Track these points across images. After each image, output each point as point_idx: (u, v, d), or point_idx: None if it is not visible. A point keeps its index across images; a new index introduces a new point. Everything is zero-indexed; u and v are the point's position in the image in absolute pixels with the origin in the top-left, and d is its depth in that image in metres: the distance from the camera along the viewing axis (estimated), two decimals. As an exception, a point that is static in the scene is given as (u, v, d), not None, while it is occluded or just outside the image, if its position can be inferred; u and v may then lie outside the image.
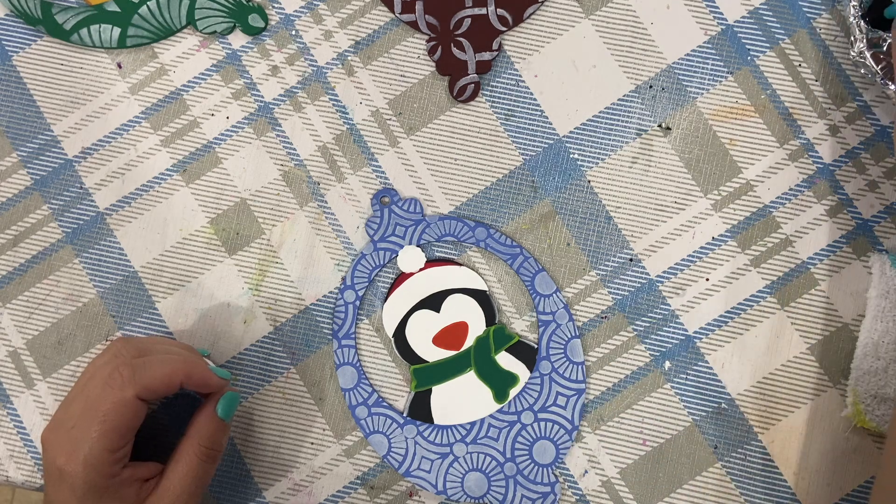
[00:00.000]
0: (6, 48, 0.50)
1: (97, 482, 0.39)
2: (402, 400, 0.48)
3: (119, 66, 0.50)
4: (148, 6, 0.49)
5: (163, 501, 0.41)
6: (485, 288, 0.48)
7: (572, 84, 0.48)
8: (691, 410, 0.47)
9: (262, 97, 0.49)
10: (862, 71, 0.46)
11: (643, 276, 0.47)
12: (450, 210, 0.48)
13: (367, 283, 0.48)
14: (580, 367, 0.47)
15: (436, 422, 0.47)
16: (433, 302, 0.47)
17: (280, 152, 0.49)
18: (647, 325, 0.47)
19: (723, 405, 0.47)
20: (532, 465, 0.46)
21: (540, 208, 0.48)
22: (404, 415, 0.47)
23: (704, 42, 0.48)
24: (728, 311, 0.47)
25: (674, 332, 0.47)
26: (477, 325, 0.47)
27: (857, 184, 0.47)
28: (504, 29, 0.48)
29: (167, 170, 0.49)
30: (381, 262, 0.48)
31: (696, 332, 0.47)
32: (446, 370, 0.47)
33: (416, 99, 0.49)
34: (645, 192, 0.48)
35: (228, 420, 0.44)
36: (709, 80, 0.48)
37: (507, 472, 0.46)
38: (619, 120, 0.48)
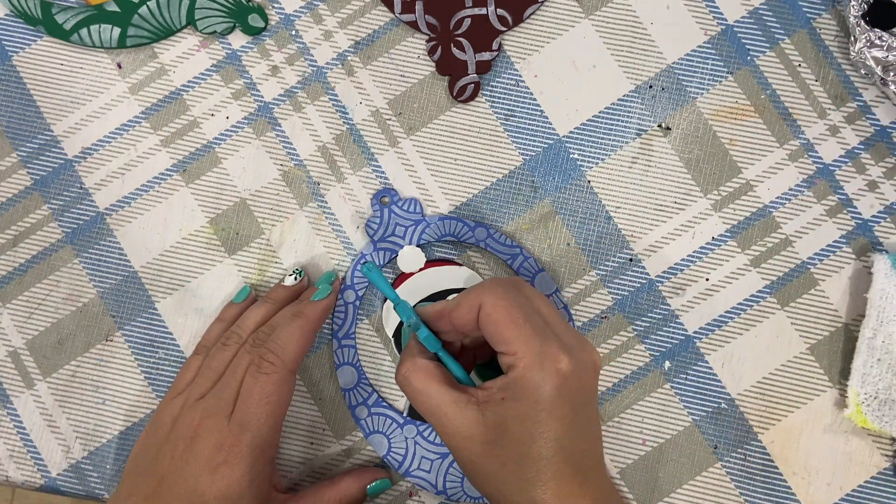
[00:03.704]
0: (6, 48, 0.50)
1: (262, 463, 0.41)
2: (402, 400, 0.48)
3: (119, 66, 0.50)
4: (148, 6, 0.49)
5: None
6: (485, 288, 0.47)
7: (572, 84, 0.48)
8: (691, 410, 0.47)
9: (262, 97, 0.49)
10: (862, 71, 0.46)
11: (643, 276, 0.47)
12: (450, 210, 0.48)
13: (367, 283, 0.48)
14: (580, 367, 0.47)
15: (436, 422, 0.47)
16: (433, 302, 0.47)
17: (280, 152, 0.49)
18: (647, 325, 0.47)
19: (723, 405, 0.47)
20: (532, 465, 0.46)
21: (540, 208, 0.48)
22: (404, 415, 0.47)
23: (704, 42, 0.48)
24: (728, 311, 0.47)
25: (674, 332, 0.47)
26: (477, 325, 0.47)
27: (857, 184, 0.47)
28: (504, 29, 0.48)
29: (167, 170, 0.49)
30: (381, 262, 0.48)
31: (696, 332, 0.47)
32: (446, 370, 0.47)
33: (416, 99, 0.49)
34: (645, 192, 0.48)
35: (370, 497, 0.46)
36: (709, 80, 0.48)
37: (507, 472, 0.46)
38: (619, 120, 0.48)
